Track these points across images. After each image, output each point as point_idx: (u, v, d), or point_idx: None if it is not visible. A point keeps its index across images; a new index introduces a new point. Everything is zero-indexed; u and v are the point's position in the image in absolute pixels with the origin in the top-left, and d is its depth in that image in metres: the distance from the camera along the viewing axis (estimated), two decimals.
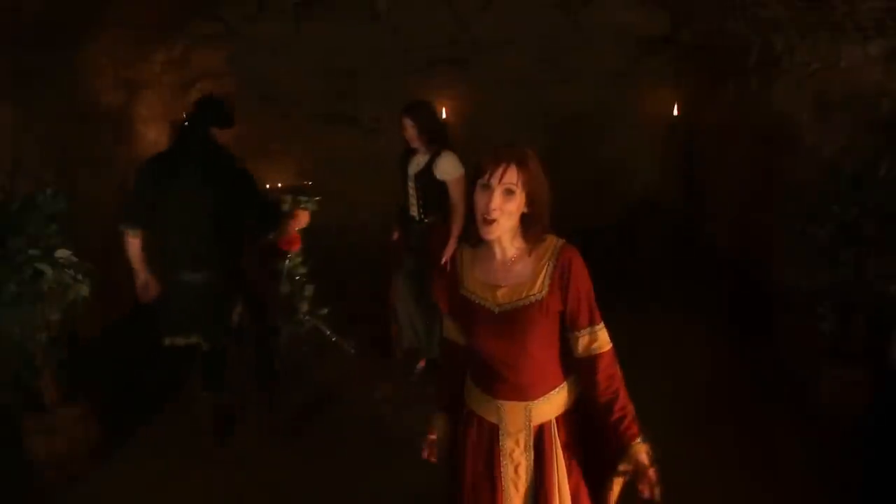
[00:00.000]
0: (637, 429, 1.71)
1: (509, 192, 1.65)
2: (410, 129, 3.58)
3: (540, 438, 1.82)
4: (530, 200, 1.68)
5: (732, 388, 3.79)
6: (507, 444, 1.82)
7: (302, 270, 4.11)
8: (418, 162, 3.68)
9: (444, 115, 5.69)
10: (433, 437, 1.96)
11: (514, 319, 1.73)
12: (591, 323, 1.74)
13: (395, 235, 4.01)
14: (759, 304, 4.31)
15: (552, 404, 1.82)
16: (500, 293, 1.74)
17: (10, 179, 3.23)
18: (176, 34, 5.31)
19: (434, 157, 3.59)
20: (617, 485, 1.76)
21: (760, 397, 3.67)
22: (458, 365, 1.97)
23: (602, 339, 1.75)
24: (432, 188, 3.63)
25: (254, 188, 3.25)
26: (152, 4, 4.36)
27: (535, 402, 1.80)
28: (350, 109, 5.96)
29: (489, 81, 5.88)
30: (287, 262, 4.05)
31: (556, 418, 1.83)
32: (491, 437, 1.84)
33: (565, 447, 1.82)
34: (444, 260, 2.96)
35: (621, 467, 1.70)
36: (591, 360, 1.74)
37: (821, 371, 3.39)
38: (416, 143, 3.64)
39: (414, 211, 3.78)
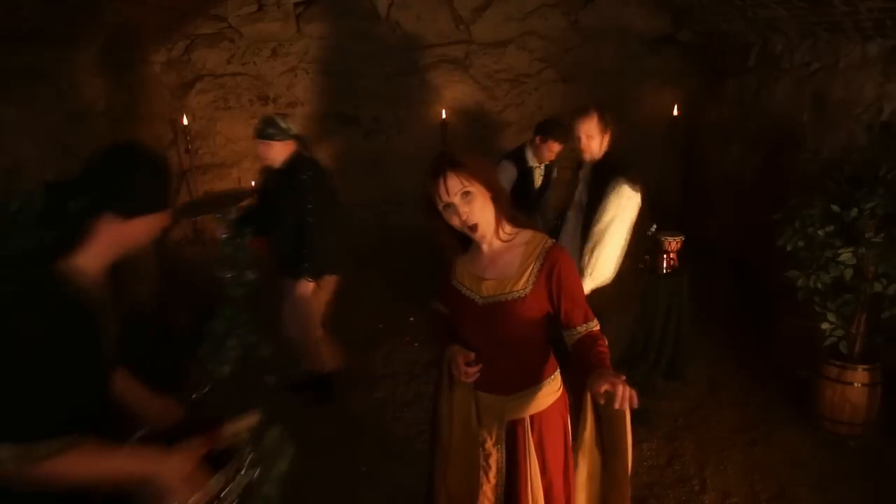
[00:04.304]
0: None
1: (467, 194, 1.66)
2: None
3: (513, 435, 1.85)
4: (489, 187, 1.70)
5: (732, 387, 3.78)
6: (481, 433, 1.87)
7: None
8: None
9: (444, 116, 5.69)
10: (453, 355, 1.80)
11: (494, 313, 1.75)
12: (587, 320, 1.75)
13: None
14: (759, 305, 4.30)
15: (526, 403, 1.83)
16: (484, 286, 1.77)
17: (9, 179, 3.22)
18: (176, 34, 5.32)
19: None
20: (587, 403, 1.69)
21: (760, 397, 3.68)
22: (444, 325, 1.94)
23: (597, 328, 1.76)
24: None
25: None
26: (152, 4, 4.36)
27: (509, 397, 1.83)
28: (350, 109, 5.96)
29: (489, 81, 5.89)
30: None
31: (531, 416, 1.84)
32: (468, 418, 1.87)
33: (538, 446, 1.84)
34: None
35: (597, 385, 1.50)
36: (590, 335, 1.74)
37: (821, 371, 3.39)
38: None
39: None
